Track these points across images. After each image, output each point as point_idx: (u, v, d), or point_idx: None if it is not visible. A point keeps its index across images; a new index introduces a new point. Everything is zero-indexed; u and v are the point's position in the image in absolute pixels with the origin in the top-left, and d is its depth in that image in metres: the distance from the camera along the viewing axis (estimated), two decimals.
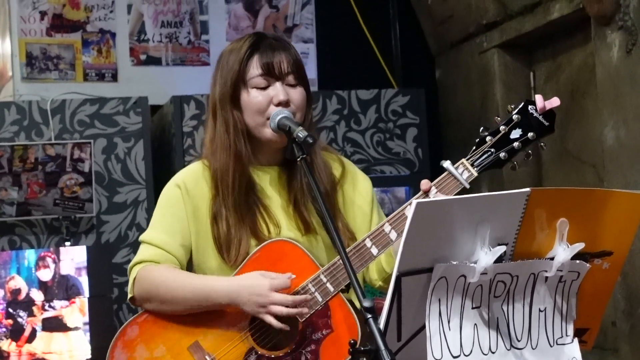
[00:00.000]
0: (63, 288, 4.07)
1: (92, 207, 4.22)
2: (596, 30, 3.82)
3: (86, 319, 4.06)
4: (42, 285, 4.06)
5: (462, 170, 2.25)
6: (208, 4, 4.89)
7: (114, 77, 4.76)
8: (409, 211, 1.84)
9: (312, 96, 2.51)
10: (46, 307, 4.05)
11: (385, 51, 5.17)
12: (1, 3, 4.71)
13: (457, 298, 1.90)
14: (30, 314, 4.03)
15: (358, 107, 4.59)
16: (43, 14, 4.67)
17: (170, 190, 2.47)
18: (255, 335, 2.33)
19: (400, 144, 4.62)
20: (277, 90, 2.39)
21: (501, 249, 1.90)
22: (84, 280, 4.09)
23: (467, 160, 2.26)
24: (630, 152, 3.68)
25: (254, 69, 2.41)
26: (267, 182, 2.46)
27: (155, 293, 2.37)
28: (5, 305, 4.02)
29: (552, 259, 1.97)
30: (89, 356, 4.03)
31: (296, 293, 2.30)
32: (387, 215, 2.35)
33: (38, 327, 4.04)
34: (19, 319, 4.03)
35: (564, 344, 2.03)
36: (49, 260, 4.08)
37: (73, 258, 4.11)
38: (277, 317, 2.27)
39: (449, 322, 1.90)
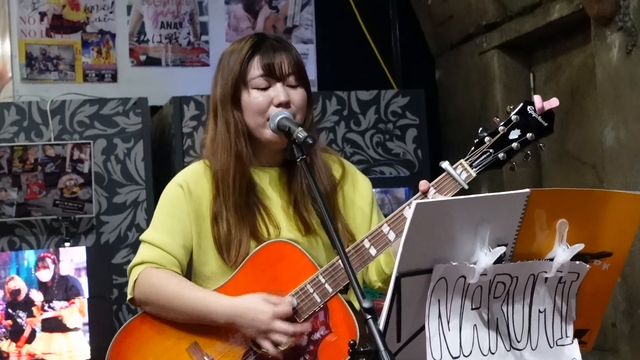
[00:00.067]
0: (63, 289, 4.07)
1: (92, 208, 4.22)
2: (596, 31, 3.82)
3: (86, 319, 4.06)
4: (42, 286, 4.06)
5: (461, 171, 2.25)
6: (208, 5, 4.89)
7: (114, 78, 4.76)
8: (408, 212, 1.84)
9: (313, 97, 2.51)
10: (46, 308, 4.05)
11: (385, 52, 5.17)
12: (1, 4, 4.71)
13: (457, 299, 1.90)
14: (30, 314, 4.03)
15: (358, 107, 4.59)
16: (43, 15, 4.67)
17: (172, 190, 2.46)
18: None
19: (400, 144, 4.62)
20: (278, 91, 2.39)
21: (501, 250, 1.90)
22: (83, 281, 4.09)
23: (465, 160, 2.26)
24: (630, 152, 3.68)
25: (255, 69, 2.41)
26: (268, 182, 2.46)
27: (154, 299, 2.37)
28: (4, 305, 4.02)
29: (551, 259, 1.97)
30: (89, 357, 4.03)
31: (295, 294, 2.30)
32: (386, 216, 2.35)
33: (37, 328, 4.04)
34: (19, 320, 4.02)
35: (563, 345, 2.03)
36: (49, 261, 4.08)
37: (73, 259, 4.11)
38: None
39: (448, 322, 1.90)
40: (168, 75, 4.82)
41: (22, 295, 4.04)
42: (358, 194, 2.51)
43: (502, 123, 2.25)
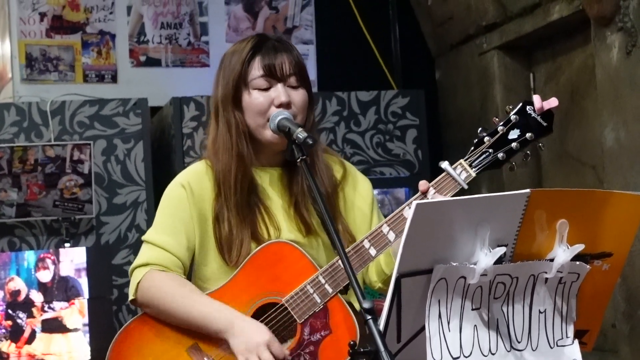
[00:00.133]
0: (62, 289, 4.07)
1: (92, 209, 4.22)
2: (596, 31, 3.82)
3: (86, 320, 4.06)
4: (42, 287, 4.05)
5: (460, 171, 2.25)
6: (208, 6, 4.89)
7: (114, 79, 4.76)
8: (408, 212, 1.84)
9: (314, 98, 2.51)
10: (46, 309, 4.05)
11: (385, 52, 5.17)
12: (1, 5, 4.71)
13: (457, 299, 1.90)
14: (30, 315, 4.03)
15: (358, 108, 4.59)
16: (43, 16, 4.67)
17: (174, 191, 2.46)
18: None
19: (400, 145, 4.62)
20: (279, 92, 2.39)
21: (501, 250, 1.90)
22: (83, 282, 4.09)
23: (465, 160, 2.26)
24: (630, 153, 3.68)
25: (256, 70, 2.41)
26: (269, 182, 2.46)
27: (156, 303, 2.37)
28: (4, 306, 4.02)
29: (552, 260, 1.97)
30: (89, 357, 4.03)
31: (295, 295, 2.29)
32: (386, 217, 2.35)
33: (37, 329, 4.03)
34: (19, 320, 4.02)
35: (564, 346, 2.03)
36: (49, 262, 4.08)
37: (73, 259, 4.11)
38: None
39: (448, 323, 1.90)
40: (168, 76, 4.81)
41: (22, 296, 4.04)
42: (358, 195, 2.51)
43: (501, 123, 2.25)
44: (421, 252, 1.86)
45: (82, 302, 4.07)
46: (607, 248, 2.04)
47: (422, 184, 2.25)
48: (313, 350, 2.29)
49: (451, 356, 1.90)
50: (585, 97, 4.22)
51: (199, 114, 4.40)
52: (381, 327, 1.85)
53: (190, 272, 2.47)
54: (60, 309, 4.06)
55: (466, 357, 1.92)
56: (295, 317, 2.30)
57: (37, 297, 4.04)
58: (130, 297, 2.41)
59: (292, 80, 2.41)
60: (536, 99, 2.26)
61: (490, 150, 2.25)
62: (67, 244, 4.20)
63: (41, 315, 4.04)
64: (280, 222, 2.42)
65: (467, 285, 1.90)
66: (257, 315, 2.34)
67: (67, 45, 4.71)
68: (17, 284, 4.04)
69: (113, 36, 4.77)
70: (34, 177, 4.17)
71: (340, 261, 2.16)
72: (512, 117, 2.24)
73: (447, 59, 5.07)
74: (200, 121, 4.38)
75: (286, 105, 2.38)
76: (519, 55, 4.61)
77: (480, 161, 2.25)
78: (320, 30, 5.01)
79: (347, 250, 2.26)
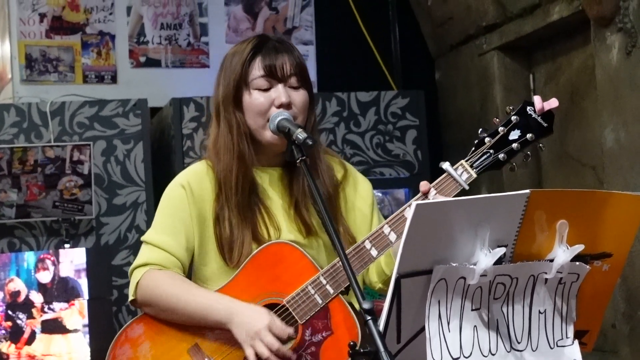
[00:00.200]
0: (62, 290, 4.07)
1: (92, 209, 4.22)
2: (596, 32, 3.82)
3: (85, 321, 4.06)
4: (42, 288, 4.05)
5: (461, 172, 2.25)
6: (207, 6, 4.89)
7: (114, 79, 4.76)
8: (409, 213, 1.84)
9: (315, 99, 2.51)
10: (45, 309, 4.05)
11: (385, 53, 5.17)
12: (1, 5, 4.71)
13: (457, 300, 1.90)
14: (30, 316, 4.03)
15: (357, 109, 4.59)
16: (42, 16, 4.67)
17: (174, 191, 2.45)
18: None
19: (400, 145, 4.62)
20: (279, 92, 2.39)
21: (501, 251, 1.90)
22: (83, 283, 4.09)
23: (466, 161, 2.26)
24: (630, 154, 3.68)
25: (256, 70, 2.41)
26: (269, 182, 2.46)
27: (156, 301, 2.37)
28: (4, 307, 4.02)
29: (551, 260, 1.97)
30: (88, 358, 4.03)
31: (296, 295, 2.29)
32: (386, 218, 2.35)
33: (37, 329, 4.03)
34: (18, 321, 4.02)
35: (564, 346, 2.03)
36: (49, 262, 4.08)
37: (72, 260, 4.11)
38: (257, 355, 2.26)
39: (448, 323, 1.90)
40: (168, 77, 4.81)
41: (22, 297, 4.04)
42: (359, 196, 2.51)
43: (502, 124, 2.25)
44: (421, 253, 1.86)
45: (82, 303, 4.07)
46: (607, 248, 2.04)
47: (423, 185, 2.25)
48: (314, 351, 2.29)
49: (451, 357, 1.90)
50: (585, 98, 4.22)
51: (198, 115, 4.40)
52: (381, 327, 1.84)
53: (190, 273, 2.47)
54: (60, 310, 4.06)
55: (466, 357, 1.92)
56: (296, 317, 2.30)
57: (36, 297, 4.04)
58: (130, 297, 2.41)
59: (293, 80, 2.41)
60: (537, 99, 2.26)
61: (491, 151, 2.25)
62: (67, 245, 4.20)
63: (41, 316, 4.04)
64: (280, 222, 2.42)
65: (467, 285, 1.90)
66: None
67: (67, 46, 4.71)
68: (17, 284, 4.04)
69: (113, 37, 4.77)
70: (34, 177, 4.17)
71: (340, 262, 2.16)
72: (513, 118, 2.24)
73: (447, 59, 5.07)
74: (200, 122, 4.38)
75: (286, 106, 2.38)
76: (519, 56, 4.61)
77: (481, 162, 2.25)
78: (320, 31, 5.01)
79: (348, 250, 2.27)
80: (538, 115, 2.25)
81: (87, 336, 4.05)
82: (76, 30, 4.72)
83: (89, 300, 4.07)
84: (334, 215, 2.40)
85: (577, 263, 1.99)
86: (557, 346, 2.02)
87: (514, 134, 2.24)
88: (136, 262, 2.43)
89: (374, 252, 2.27)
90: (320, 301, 2.28)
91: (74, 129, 4.32)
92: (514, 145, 2.24)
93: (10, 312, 4.02)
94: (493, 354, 1.95)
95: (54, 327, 4.05)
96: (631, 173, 3.68)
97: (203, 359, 2.34)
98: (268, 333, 2.25)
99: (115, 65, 4.77)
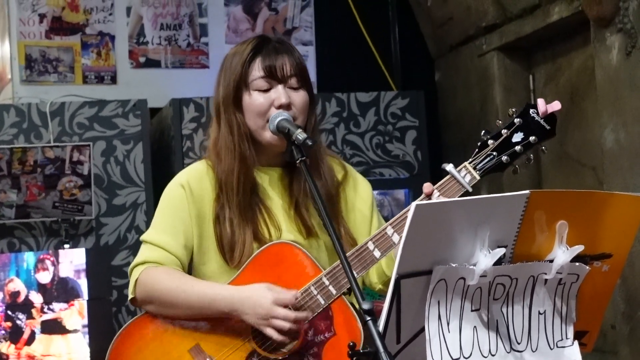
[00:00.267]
0: (62, 290, 4.07)
1: (91, 210, 4.22)
2: (595, 32, 3.82)
3: (85, 321, 4.06)
4: (41, 288, 4.05)
5: (465, 174, 2.25)
6: (207, 7, 4.89)
7: (113, 80, 4.76)
8: (409, 213, 1.84)
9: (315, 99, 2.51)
10: (45, 310, 4.05)
11: (385, 54, 5.17)
12: (0, 5, 4.71)
13: (457, 300, 1.90)
14: (29, 316, 4.03)
15: (357, 109, 4.59)
16: (42, 17, 4.67)
17: (173, 190, 2.46)
18: (256, 339, 2.33)
19: (400, 146, 4.61)
20: (279, 93, 2.39)
21: (500, 252, 1.90)
22: (83, 283, 4.09)
23: (469, 163, 2.25)
24: (630, 154, 3.68)
25: (256, 71, 2.41)
26: (269, 183, 2.46)
27: (157, 296, 2.37)
28: (4, 307, 4.02)
29: (551, 261, 1.97)
30: (88, 359, 4.03)
31: (299, 296, 2.29)
32: (385, 218, 2.35)
33: (37, 330, 4.03)
34: (18, 322, 4.02)
35: (564, 347, 2.03)
36: (48, 263, 4.08)
37: (72, 260, 4.11)
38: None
39: (448, 324, 1.90)
40: (167, 77, 4.81)
41: (22, 297, 4.04)
42: (359, 197, 2.52)
43: (505, 126, 2.25)
44: (421, 253, 1.86)
45: (81, 303, 4.07)
46: (607, 249, 2.04)
47: (427, 187, 2.25)
48: (317, 351, 2.29)
49: (451, 357, 1.90)
50: (585, 98, 4.22)
51: (198, 115, 4.40)
52: (381, 328, 1.84)
53: (190, 272, 2.47)
54: (59, 310, 4.06)
55: (466, 358, 1.92)
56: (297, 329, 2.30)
57: (36, 298, 4.04)
58: (130, 295, 2.41)
59: (293, 81, 2.41)
60: (540, 102, 2.26)
61: (495, 153, 2.24)
62: (66, 245, 4.20)
63: (40, 316, 4.04)
64: (281, 222, 2.42)
65: (466, 286, 1.90)
66: None
67: (67, 47, 4.71)
68: (17, 285, 4.04)
69: (112, 37, 4.77)
70: (34, 178, 4.17)
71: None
72: (516, 120, 2.25)
73: (447, 60, 5.07)
74: (200, 122, 4.38)
75: (286, 107, 2.38)
76: (519, 57, 4.61)
77: (484, 164, 2.25)
78: (320, 32, 5.01)
79: (351, 252, 2.27)
80: (541, 118, 2.25)
81: (87, 336, 4.05)
82: (76, 31, 4.72)
83: (88, 301, 4.07)
84: (334, 216, 2.40)
85: (577, 264, 1.99)
86: (557, 347, 2.02)
87: (517, 137, 2.24)
88: (135, 261, 2.43)
89: (376, 254, 2.27)
90: (322, 302, 2.28)
91: (74, 130, 4.32)
92: (517, 147, 2.24)
93: (9, 313, 4.02)
94: (493, 355, 1.95)
95: (54, 327, 4.05)
96: (631, 173, 3.68)
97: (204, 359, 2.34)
98: (277, 307, 2.25)
99: (115, 65, 4.77)
